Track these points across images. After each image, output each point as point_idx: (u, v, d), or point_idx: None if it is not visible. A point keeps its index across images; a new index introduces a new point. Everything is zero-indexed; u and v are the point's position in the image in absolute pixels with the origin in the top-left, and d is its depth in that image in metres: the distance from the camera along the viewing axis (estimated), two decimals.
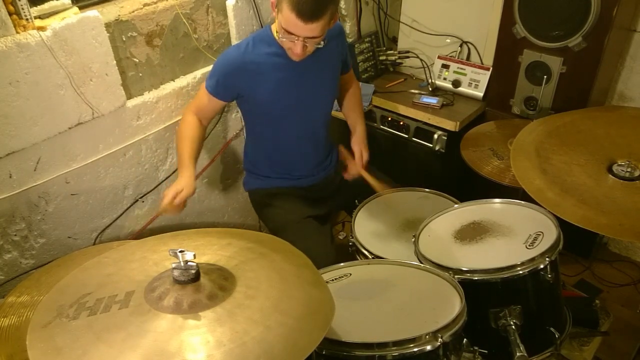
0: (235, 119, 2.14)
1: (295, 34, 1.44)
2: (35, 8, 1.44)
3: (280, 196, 1.80)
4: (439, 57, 2.34)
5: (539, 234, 1.38)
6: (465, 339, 1.18)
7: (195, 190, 1.61)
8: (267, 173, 1.83)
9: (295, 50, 1.48)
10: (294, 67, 1.61)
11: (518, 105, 2.07)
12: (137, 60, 1.73)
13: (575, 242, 2.19)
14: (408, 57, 2.44)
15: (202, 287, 0.93)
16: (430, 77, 2.33)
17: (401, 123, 2.27)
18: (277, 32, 1.53)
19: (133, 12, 1.67)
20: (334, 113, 1.92)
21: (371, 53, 2.47)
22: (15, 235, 1.56)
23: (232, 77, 1.62)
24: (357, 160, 1.78)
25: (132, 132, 1.77)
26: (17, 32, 1.38)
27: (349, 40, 2.42)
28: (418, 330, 1.08)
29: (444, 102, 2.22)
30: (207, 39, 1.93)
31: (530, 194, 1.37)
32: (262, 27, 1.99)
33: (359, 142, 1.82)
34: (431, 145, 2.20)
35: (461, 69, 2.28)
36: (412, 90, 2.33)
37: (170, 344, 0.82)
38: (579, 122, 1.62)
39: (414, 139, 2.25)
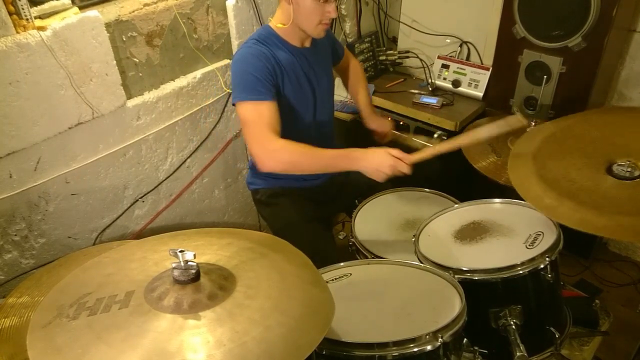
0: (236, 118, 2.14)
1: None
2: (35, 8, 1.45)
3: (284, 197, 1.80)
4: (438, 57, 2.35)
5: (539, 234, 1.38)
6: (465, 339, 1.18)
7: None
8: (273, 173, 1.82)
9: (331, 13, 1.49)
10: (302, 61, 1.62)
11: (518, 105, 2.07)
12: (137, 60, 1.73)
13: (575, 242, 2.19)
14: (408, 57, 2.44)
15: (202, 287, 0.93)
16: (430, 77, 2.33)
17: (401, 123, 2.27)
18: (282, 24, 1.55)
19: (133, 12, 1.67)
20: (335, 113, 1.92)
21: (371, 53, 2.47)
22: (16, 235, 1.56)
23: (265, 69, 1.48)
24: (385, 128, 1.89)
25: (132, 132, 1.77)
26: (17, 32, 1.38)
27: (349, 40, 2.42)
28: (418, 330, 1.08)
29: (444, 102, 2.22)
30: (207, 39, 1.93)
31: (528, 202, 1.37)
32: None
33: (375, 118, 1.92)
34: (431, 145, 2.20)
35: (461, 69, 2.28)
36: (412, 90, 2.34)
37: (170, 344, 0.82)
38: (574, 126, 1.62)
39: (413, 139, 2.25)
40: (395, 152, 1.44)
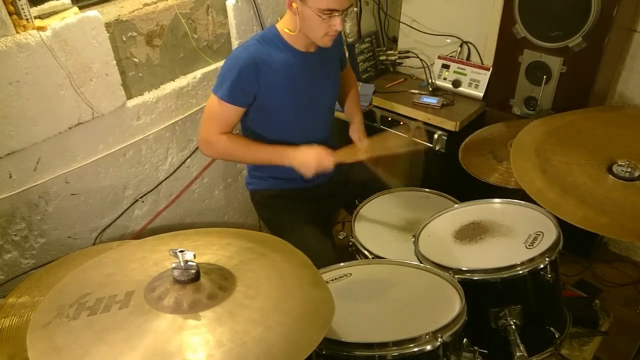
0: None
1: (338, 9, 1.47)
2: (35, 8, 1.45)
3: (283, 197, 1.80)
4: (439, 57, 2.34)
5: (539, 234, 1.38)
6: (465, 339, 1.18)
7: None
8: (271, 174, 1.82)
9: (337, 26, 1.51)
10: (304, 66, 1.62)
11: (518, 105, 2.07)
12: (137, 60, 1.73)
13: (575, 242, 2.19)
14: (408, 57, 2.44)
15: (202, 287, 0.93)
16: (430, 77, 2.33)
17: (401, 123, 2.27)
18: (288, 29, 1.56)
19: (133, 12, 1.67)
20: (335, 113, 1.92)
21: (371, 53, 2.47)
22: (15, 235, 1.56)
23: (247, 78, 1.55)
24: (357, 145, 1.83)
25: (132, 132, 1.77)
26: (17, 32, 1.38)
27: (349, 40, 2.42)
28: (418, 330, 1.08)
29: (444, 102, 2.22)
30: (207, 39, 1.93)
31: (530, 195, 1.37)
32: (262, 27, 1.99)
33: (356, 130, 1.86)
34: (431, 145, 2.21)
35: (461, 69, 2.28)
36: (412, 90, 2.33)
37: (170, 344, 0.82)
38: (578, 122, 1.62)
39: (414, 139, 2.25)
40: (323, 149, 1.60)
